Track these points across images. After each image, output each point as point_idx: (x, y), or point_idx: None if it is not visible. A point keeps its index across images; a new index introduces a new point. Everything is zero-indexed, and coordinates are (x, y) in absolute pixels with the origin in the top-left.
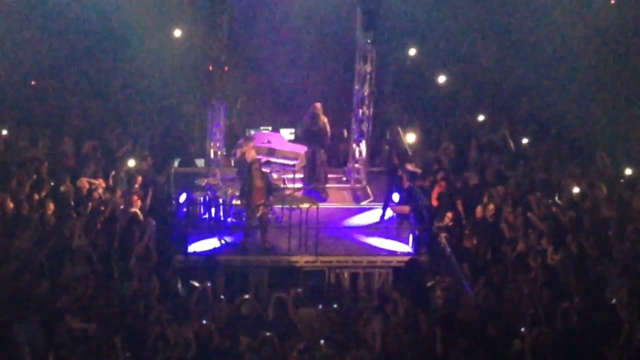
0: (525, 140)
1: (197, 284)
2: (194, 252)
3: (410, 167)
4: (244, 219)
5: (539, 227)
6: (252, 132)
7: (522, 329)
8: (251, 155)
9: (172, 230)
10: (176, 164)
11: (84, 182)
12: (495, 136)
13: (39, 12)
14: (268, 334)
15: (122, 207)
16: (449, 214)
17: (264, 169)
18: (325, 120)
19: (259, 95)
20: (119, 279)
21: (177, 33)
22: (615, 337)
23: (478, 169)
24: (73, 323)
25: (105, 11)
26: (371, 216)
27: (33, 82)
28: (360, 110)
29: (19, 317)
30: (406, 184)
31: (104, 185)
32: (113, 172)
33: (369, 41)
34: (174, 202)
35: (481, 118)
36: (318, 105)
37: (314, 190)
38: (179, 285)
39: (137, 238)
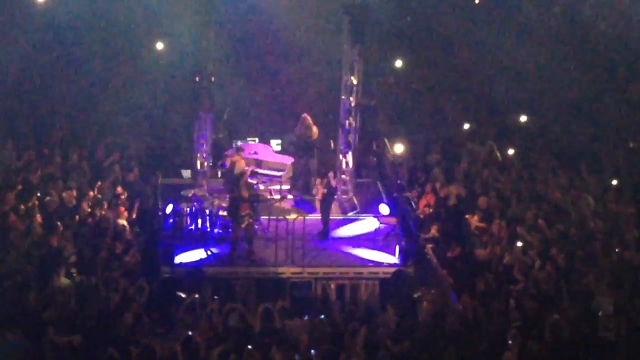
0: (511, 151)
1: (183, 296)
2: (181, 263)
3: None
4: (230, 230)
5: (526, 239)
6: (239, 143)
7: (510, 341)
8: (240, 165)
9: (159, 241)
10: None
11: (70, 193)
12: (482, 147)
13: (24, 24)
14: (255, 345)
15: (108, 218)
16: (436, 226)
17: (250, 180)
18: (316, 130)
19: (245, 107)
20: (104, 291)
21: (160, 46)
22: (603, 349)
23: (465, 180)
24: (56, 337)
25: (92, 22)
26: (358, 227)
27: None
28: (347, 122)
29: (5, 328)
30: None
31: (91, 196)
32: (99, 183)
33: (355, 53)
34: (160, 213)
35: (467, 127)
36: (307, 116)
37: (306, 201)
38: (166, 297)
39: (124, 249)
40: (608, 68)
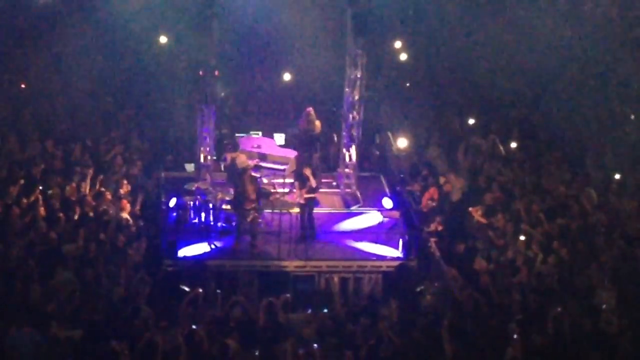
0: (514, 145)
1: (187, 289)
2: (184, 256)
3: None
4: (233, 224)
5: (529, 233)
6: (243, 136)
7: (515, 336)
8: (241, 160)
9: (162, 234)
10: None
11: (73, 187)
12: (484, 141)
13: (27, 17)
14: (258, 338)
15: (112, 211)
16: (439, 219)
17: (254, 174)
18: (319, 124)
19: (248, 100)
20: (107, 284)
21: (163, 39)
22: (605, 343)
23: (467, 174)
24: (59, 331)
25: (95, 15)
26: (361, 221)
27: (22, 85)
28: (351, 115)
29: (10, 322)
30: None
31: (94, 189)
32: (102, 177)
33: (359, 46)
34: (163, 207)
35: (471, 122)
36: (311, 110)
37: None
38: (169, 290)
39: (127, 243)
40: (610, 61)
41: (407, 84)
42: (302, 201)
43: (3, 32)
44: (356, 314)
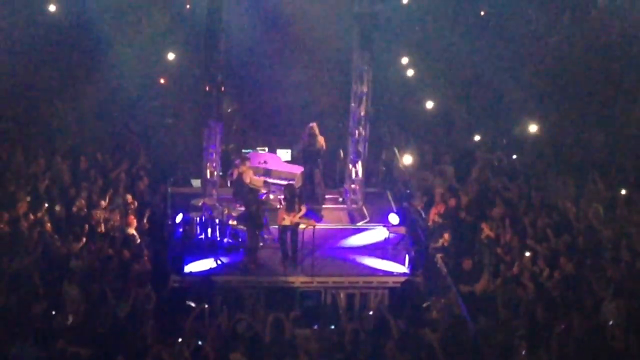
0: (520, 160)
1: (193, 305)
2: (190, 272)
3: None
4: (240, 240)
5: (535, 248)
6: (250, 151)
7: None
8: (249, 175)
9: (168, 250)
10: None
11: (81, 202)
12: (491, 156)
13: (35, 32)
14: (264, 355)
15: (118, 227)
16: (446, 235)
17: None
18: (323, 140)
19: (255, 116)
20: (114, 300)
21: (171, 56)
22: (612, 359)
23: (474, 189)
24: (65, 346)
25: (102, 32)
26: (368, 237)
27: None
28: (357, 131)
29: (15, 337)
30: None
31: (101, 205)
32: (110, 192)
33: (365, 61)
34: (170, 223)
35: (477, 138)
36: (314, 125)
37: (311, 210)
38: (175, 306)
39: (133, 258)
40: (617, 76)
41: (414, 100)
42: (288, 223)
43: (11, 47)
44: (362, 330)
